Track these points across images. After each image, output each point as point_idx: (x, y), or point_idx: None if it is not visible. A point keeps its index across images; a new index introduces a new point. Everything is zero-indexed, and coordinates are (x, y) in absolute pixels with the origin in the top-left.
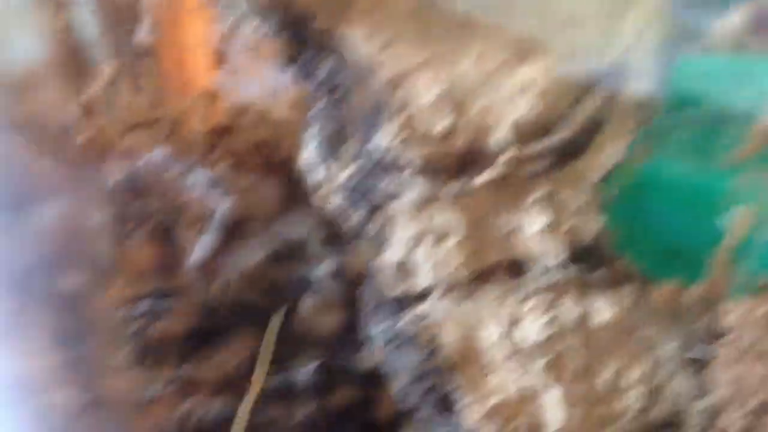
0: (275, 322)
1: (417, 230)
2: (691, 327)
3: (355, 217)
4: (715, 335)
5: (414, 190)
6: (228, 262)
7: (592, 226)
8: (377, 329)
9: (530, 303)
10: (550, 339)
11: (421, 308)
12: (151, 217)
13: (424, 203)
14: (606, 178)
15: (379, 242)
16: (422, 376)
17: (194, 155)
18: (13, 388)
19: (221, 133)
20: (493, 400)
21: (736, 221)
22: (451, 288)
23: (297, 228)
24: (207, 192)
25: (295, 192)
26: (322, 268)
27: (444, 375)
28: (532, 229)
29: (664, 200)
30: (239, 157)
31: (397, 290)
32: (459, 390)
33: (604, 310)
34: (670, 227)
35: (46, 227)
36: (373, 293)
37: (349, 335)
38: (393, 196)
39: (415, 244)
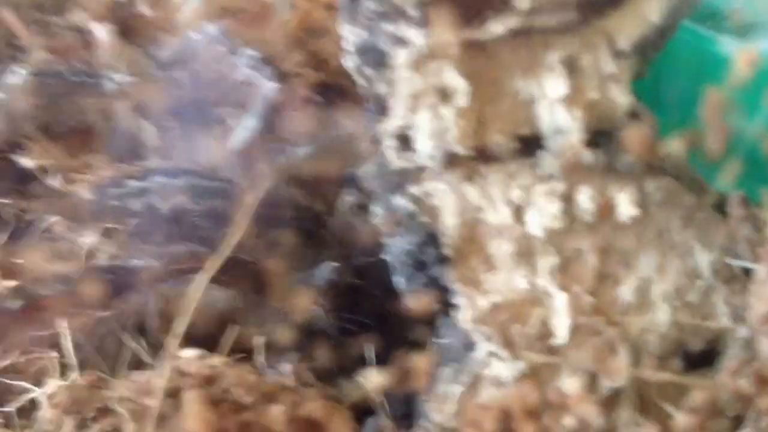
0: None
1: (418, 88)
2: (732, 235)
3: (365, 78)
4: (758, 244)
5: (416, 40)
6: (272, 150)
7: (619, 101)
8: (376, 207)
9: (542, 187)
10: (563, 233)
11: (421, 184)
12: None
13: (427, 56)
14: (639, 46)
15: (384, 106)
16: (421, 267)
17: (274, 48)
18: None
19: (310, 32)
20: (492, 299)
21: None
22: (452, 162)
23: (349, 124)
24: (254, 72)
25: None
26: (367, 167)
27: (443, 266)
28: (549, 97)
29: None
30: (321, 58)
31: (398, 162)
32: (457, 284)
33: (628, 204)
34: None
35: None
36: (376, 167)
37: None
38: (395, 50)
39: (415, 106)
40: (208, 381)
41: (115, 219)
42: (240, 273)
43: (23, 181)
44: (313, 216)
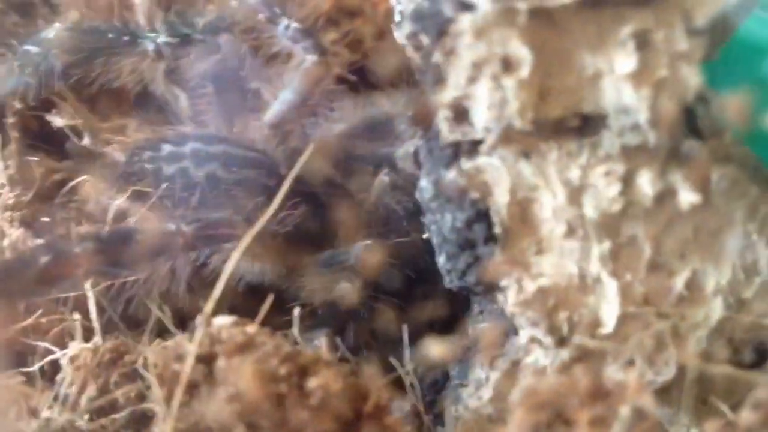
0: None
1: (479, 57)
2: None
3: (419, 48)
4: None
5: (482, 4)
6: (306, 125)
7: (689, 82)
8: (424, 181)
9: (602, 168)
10: (618, 218)
11: (475, 159)
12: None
13: (491, 24)
14: (715, 25)
15: (440, 76)
16: (467, 245)
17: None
18: None
19: (344, 13)
20: (541, 283)
21: None
22: (508, 137)
23: (388, 104)
24: (293, 44)
25: (397, 73)
26: (405, 148)
27: (491, 246)
28: (617, 73)
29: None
30: (355, 39)
31: (451, 135)
32: (505, 265)
33: (689, 192)
34: None
35: None
36: (427, 140)
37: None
38: (458, 15)
39: (475, 75)
40: (242, 349)
41: (148, 182)
42: (270, 246)
43: (53, 140)
44: (346, 194)
